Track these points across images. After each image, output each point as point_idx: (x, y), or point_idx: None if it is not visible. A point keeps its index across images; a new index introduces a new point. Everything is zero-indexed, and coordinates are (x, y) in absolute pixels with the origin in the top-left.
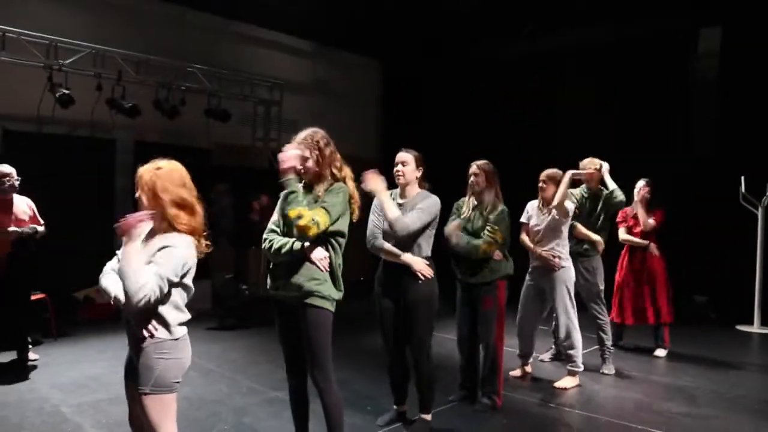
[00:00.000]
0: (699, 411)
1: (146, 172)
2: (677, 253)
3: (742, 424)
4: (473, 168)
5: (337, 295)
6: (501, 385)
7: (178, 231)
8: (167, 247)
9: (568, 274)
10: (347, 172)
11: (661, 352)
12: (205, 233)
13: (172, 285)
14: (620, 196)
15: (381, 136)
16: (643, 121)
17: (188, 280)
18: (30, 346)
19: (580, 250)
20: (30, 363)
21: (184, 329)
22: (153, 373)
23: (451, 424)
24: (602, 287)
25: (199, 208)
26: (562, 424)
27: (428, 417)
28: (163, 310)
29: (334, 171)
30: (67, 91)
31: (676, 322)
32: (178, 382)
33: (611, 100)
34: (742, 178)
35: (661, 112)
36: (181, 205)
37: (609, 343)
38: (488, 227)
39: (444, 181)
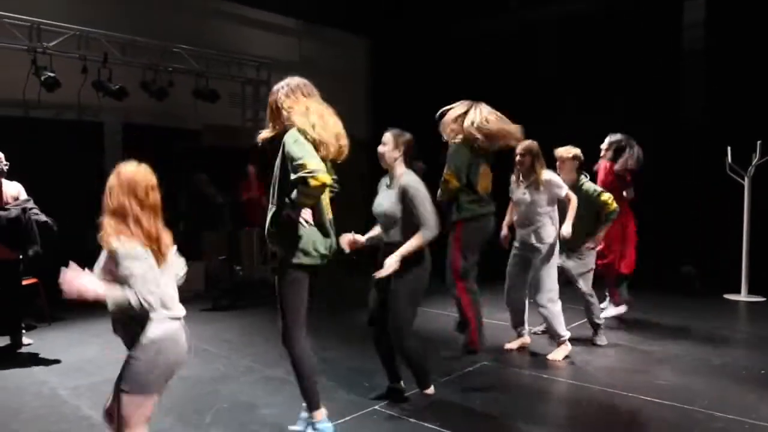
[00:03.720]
0: (687, 378)
1: (113, 173)
2: (665, 223)
3: (729, 390)
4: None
5: (308, 259)
6: (474, 333)
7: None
8: (122, 262)
9: (554, 248)
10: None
11: (616, 311)
12: (156, 245)
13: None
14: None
15: (370, 114)
16: (631, 93)
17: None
18: (24, 331)
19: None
20: (24, 347)
21: (159, 330)
22: (126, 372)
23: (449, 397)
24: (593, 267)
25: (146, 221)
26: (554, 395)
27: (430, 391)
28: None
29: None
30: (52, 75)
31: (665, 291)
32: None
33: (599, 72)
34: (729, 148)
35: (649, 83)
36: (119, 213)
37: (597, 314)
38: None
39: (435, 159)
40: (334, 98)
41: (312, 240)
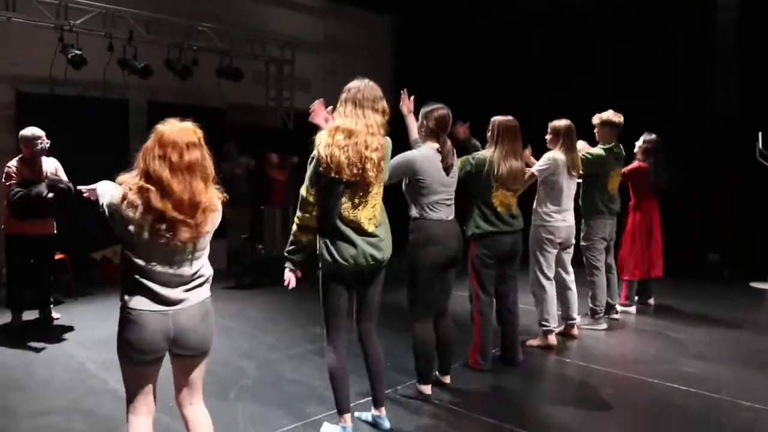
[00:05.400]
0: (713, 366)
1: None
2: (692, 211)
3: (756, 378)
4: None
5: (327, 267)
6: (474, 351)
7: None
8: None
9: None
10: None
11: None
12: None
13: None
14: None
15: (394, 92)
16: (663, 82)
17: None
18: (51, 305)
19: None
20: (53, 321)
21: (136, 300)
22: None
23: (466, 383)
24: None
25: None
26: (578, 379)
27: (425, 389)
28: None
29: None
30: (78, 52)
31: (691, 278)
32: (127, 356)
33: (628, 59)
34: (760, 134)
35: (681, 72)
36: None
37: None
38: None
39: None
40: (358, 76)
41: (329, 249)
